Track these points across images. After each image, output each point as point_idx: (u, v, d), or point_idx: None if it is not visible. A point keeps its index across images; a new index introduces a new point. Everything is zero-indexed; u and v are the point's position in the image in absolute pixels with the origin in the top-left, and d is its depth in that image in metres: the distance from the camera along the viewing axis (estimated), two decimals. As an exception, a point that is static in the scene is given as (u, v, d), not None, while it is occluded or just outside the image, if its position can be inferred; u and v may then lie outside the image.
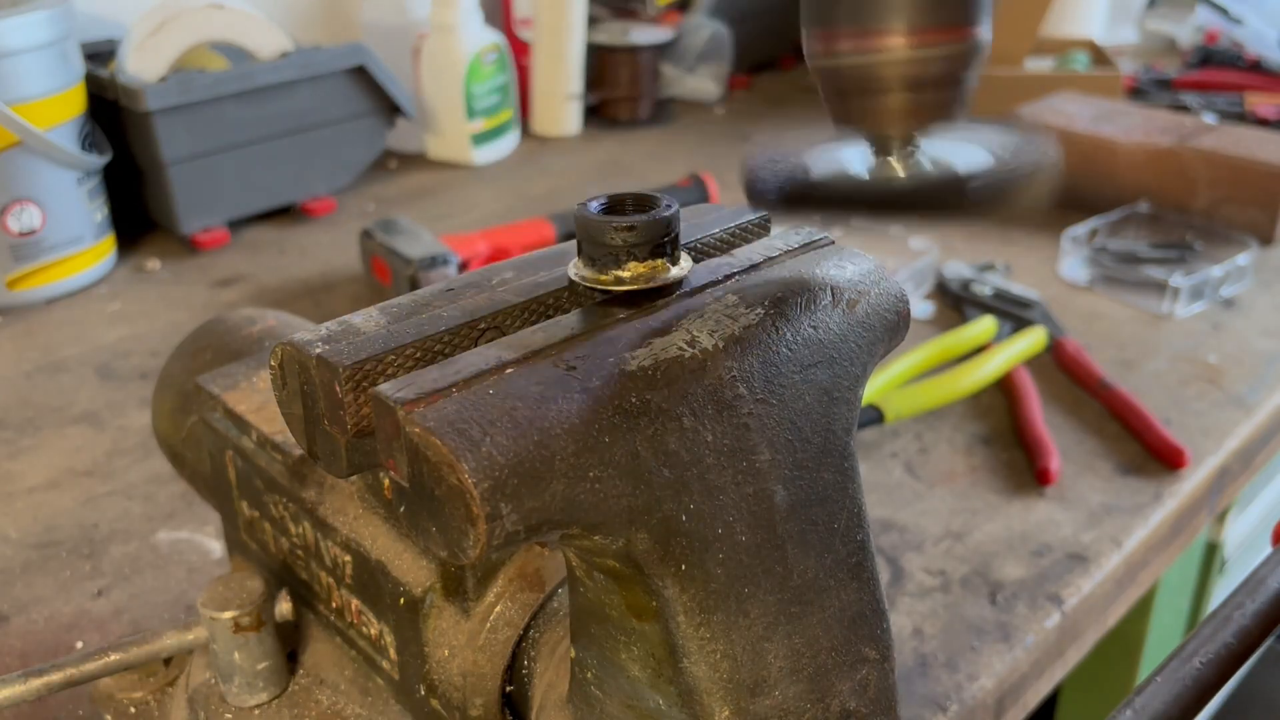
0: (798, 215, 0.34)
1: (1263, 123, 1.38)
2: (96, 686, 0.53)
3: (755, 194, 0.34)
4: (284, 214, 1.20)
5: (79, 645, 0.62)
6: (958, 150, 0.33)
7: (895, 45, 0.30)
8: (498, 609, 0.42)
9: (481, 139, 1.34)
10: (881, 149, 0.33)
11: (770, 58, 1.73)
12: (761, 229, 0.41)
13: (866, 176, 0.32)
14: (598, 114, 1.51)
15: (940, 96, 0.31)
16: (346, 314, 0.35)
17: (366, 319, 0.35)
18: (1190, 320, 0.97)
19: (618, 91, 1.49)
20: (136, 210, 1.15)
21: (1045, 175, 0.31)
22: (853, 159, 0.34)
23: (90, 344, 0.95)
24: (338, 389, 0.33)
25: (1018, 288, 0.99)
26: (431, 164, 1.36)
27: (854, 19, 0.30)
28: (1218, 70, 1.59)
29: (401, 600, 0.43)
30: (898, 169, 0.32)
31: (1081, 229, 1.06)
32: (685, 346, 0.33)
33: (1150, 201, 1.13)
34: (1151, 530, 0.71)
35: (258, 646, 0.47)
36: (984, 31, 0.31)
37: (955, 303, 0.99)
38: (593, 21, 1.49)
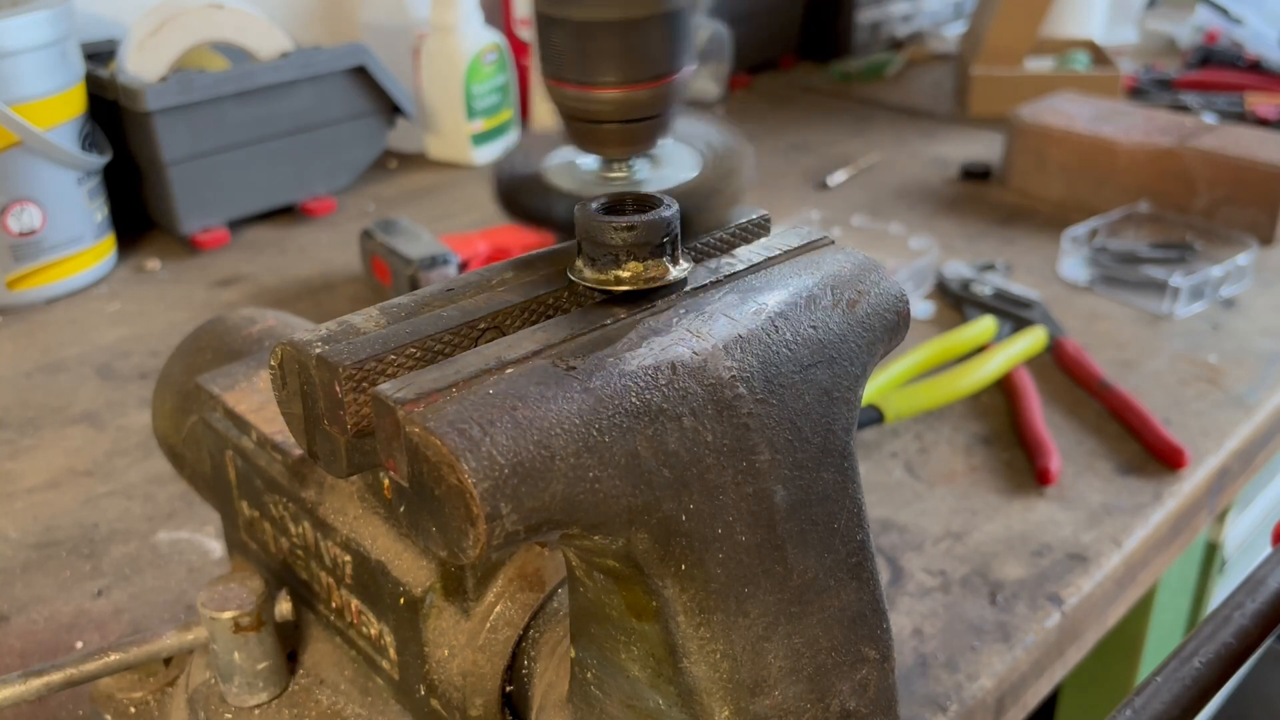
0: (513, 214, 0.40)
1: (1263, 123, 1.38)
2: (96, 686, 0.53)
3: (494, 179, 0.41)
4: (284, 214, 1.20)
5: (79, 645, 0.62)
6: (674, 162, 0.40)
7: (607, 95, 0.37)
8: (498, 609, 0.42)
9: (481, 139, 1.34)
10: (605, 163, 0.40)
11: (770, 58, 1.73)
12: (761, 229, 0.41)
13: (570, 187, 0.39)
14: (598, 114, 1.51)
15: (645, 128, 0.38)
16: (346, 314, 0.35)
17: (366, 319, 0.35)
18: (1190, 320, 0.97)
19: (618, 91, 1.49)
20: (136, 210, 1.15)
21: (735, 187, 0.39)
22: (588, 162, 0.41)
23: (90, 344, 0.95)
24: (338, 389, 0.33)
25: (1018, 288, 0.99)
26: (431, 164, 1.36)
27: (576, 73, 0.37)
28: (1218, 70, 1.59)
29: (401, 600, 0.43)
30: (617, 176, 0.39)
31: (1081, 229, 1.06)
32: (685, 346, 0.33)
33: (1150, 201, 1.13)
34: (1151, 530, 0.72)
35: (258, 646, 0.47)
36: (685, 74, 0.38)
37: (955, 303, 0.99)
38: (593, 21, 1.49)
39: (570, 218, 0.37)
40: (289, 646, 0.50)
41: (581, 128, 0.38)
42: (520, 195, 0.40)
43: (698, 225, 0.39)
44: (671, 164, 0.40)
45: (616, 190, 0.39)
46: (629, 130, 0.38)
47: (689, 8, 0.37)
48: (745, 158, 0.40)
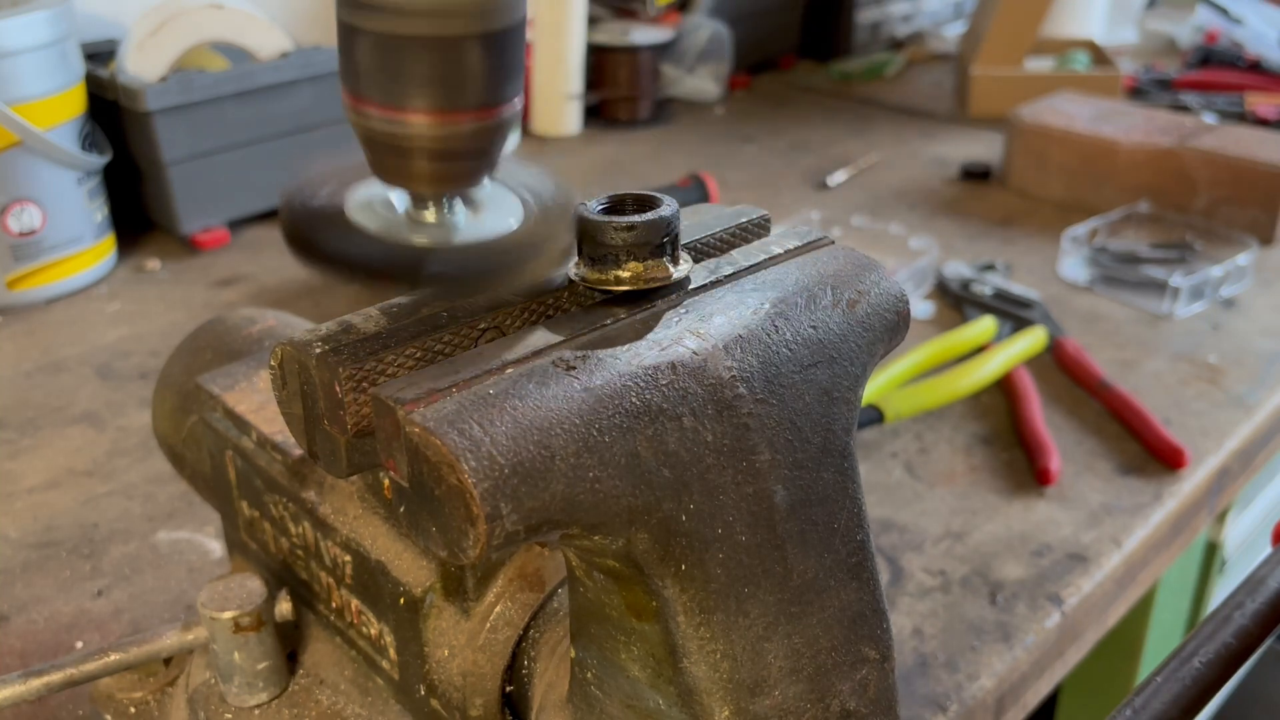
0: (303, 254, 0.34)
1: (1263, 123, 1.38)
2: (96, 686, 0.53)
3: (282, 212, 0.35)
4: (284, 214, 1.20)
5: (79, 645, 0.62)
6: (496, 209, 0.35)
7: (419, 121, 0.32)
8: (498, 609, 0.42)
9: (481, 139, 1.34)
10: (416, 203, 0.35)
11: (770, 58, 1.73)
12: (761, 229, 0.41)
13: (364, 234, 0.34)
14: (598, 114, 1.51)
15: (463, 166, 0.33)
16: (346, 314, 0.35)
17: (366, 319, 0.35)
18: (1190, 320, 0.97)
19: (618, 92, 1.50)
20: (136, 210, 1.15)
21: (560, 245, 0.34)
22: (394, 202, 0.35)
23: (90, 344, 0.95)
24: (338, 389, 0.33)
25: (1018, 288, 0.99)
26: (431, 164, 1.36)
27: (382, 93, 0.32)
28: (1218, 70, 1.59)
29: (401, 600, 0.43)
30: (429, 220, 0.34)
31: (1081, 229, 1.06)
32: (685, 346, 0.33)
33: (1150, 201, 1.13)
34: (1151, 530, 0.71)
35: (258, 646, 0.47)
36: (511, 107, 0.33)
37: (955, 303, 0.99)
38: (593, 21, 1.49)
39: (372, 262, 0.32)
40: (289, 646, 0.50)
41: (388, 159, 0.33)
42: (313, 233, 0.34)
43: (512, 281, 0.34)
44: (493, 211, 0.35)
45: (427, 234, 0.34)
46: (443, 167, 0.33)
47: (518, 30, 0.32)
48: (574, 213, 0.35)
